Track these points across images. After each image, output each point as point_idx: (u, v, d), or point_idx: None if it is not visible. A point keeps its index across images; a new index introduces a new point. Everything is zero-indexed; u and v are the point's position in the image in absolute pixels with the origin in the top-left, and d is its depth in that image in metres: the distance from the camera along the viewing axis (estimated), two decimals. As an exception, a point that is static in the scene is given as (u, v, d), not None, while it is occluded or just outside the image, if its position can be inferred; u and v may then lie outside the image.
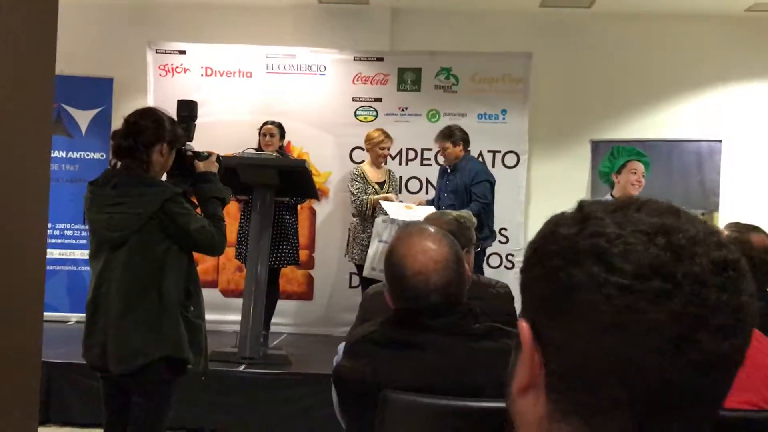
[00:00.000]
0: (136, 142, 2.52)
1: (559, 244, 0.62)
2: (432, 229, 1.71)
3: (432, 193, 5.74)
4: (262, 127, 5.24)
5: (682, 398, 0.58)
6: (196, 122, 2.85)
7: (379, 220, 5.05)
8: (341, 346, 1.70)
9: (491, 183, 5.23)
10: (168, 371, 2.53)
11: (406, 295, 1.61)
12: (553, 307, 0.61)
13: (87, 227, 2.64)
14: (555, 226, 0.64)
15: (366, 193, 5.24)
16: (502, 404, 1.51)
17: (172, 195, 2.51)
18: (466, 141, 5.29)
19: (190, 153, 2.71)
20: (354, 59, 6.13)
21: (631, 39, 6.39)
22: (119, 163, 2.58)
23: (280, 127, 5.25)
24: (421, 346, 1.58)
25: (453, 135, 5.25)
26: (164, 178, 2.70)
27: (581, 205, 0.65)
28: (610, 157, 5.52)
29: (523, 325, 0.64)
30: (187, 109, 2.85)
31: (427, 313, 1.59)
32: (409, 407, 1.53)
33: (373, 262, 4.81)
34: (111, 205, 2.51)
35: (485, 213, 5.10)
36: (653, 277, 0.57)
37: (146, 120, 2.56)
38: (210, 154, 2.74)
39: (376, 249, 4.86)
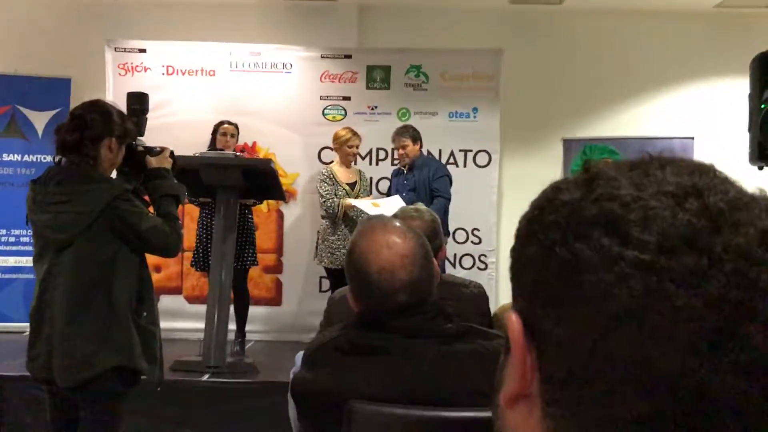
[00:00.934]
0: (82, 137, 2.34)
1: (558, 213, 0.47)
2: (397, 223, 1.56)
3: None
4: (219, 126, 5.05)
5: (721, 412, 0.43)
6: (147, 116, 2.67)
7: (361, 221, 4.90)
8: (299, 356, 1.54)
9: (450, 179, 5.20)
10: (119, 382, 2.34)
11: (370, 294, 1.46)
12: (550, 293, 0.47)
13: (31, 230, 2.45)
14: (554, 191, 0.50)
15: (336, 195, 5.09)
16: (479, 413, 1.37)
17: (121, 192, 2.33)
18: (421, 139, 5.26)
19: (141, 148, 2.53)
20: (321, 57, 5.97)
21: (602, 36, 6.34)
22: (64, 160, 2.40)
23: (237, 128, 5.09)
24: (388, 351, 1.43)
25: (409, 131, 5.19)
26: (114, 175, 2.51)
27: (588, 164, 0.50)
28: (582, 155, 5.44)
29: (512, 318, 0.49)
30: (138, 101, 2.67)
31: (394, 313, 1.44)
32: (378, 419, 1.38)
33: None
34: (55, 204, 2.32)
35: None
36: (684, 250, 0.43)
37: (93, 113, 2.38)
38: (163, 149, 2.56)
39: None
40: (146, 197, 2.50)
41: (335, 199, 5.05)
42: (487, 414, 1.42)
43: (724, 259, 0.43)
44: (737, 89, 6.16)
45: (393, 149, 5.27)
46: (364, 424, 1.38)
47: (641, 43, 6.31)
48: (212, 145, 4.99)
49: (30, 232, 6.16)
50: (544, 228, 0.48)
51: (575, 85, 6.30)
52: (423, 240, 1.52)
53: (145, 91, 3.00)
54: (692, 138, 6.12)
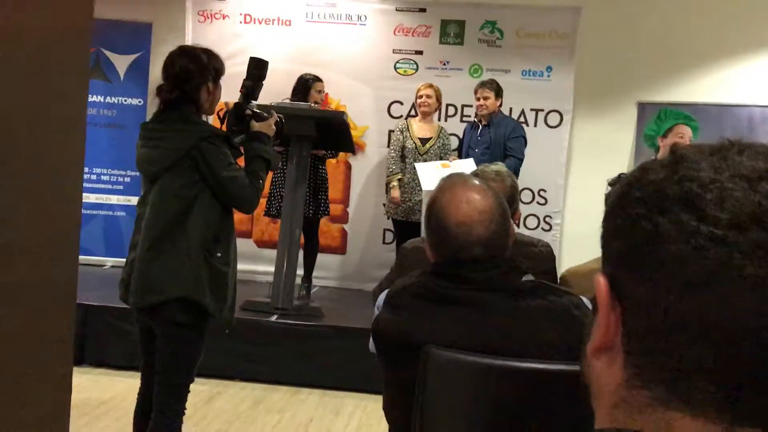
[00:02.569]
0: (182, 92, 2.46)
1: (644, 191, 0.56)
2: (477, 181, 1.63)
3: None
4: (313, 82, 5.07)
5: None
6: (263, 82, 2.78)
7: (443, 178, 4.98)
8: (382, 296, 1.63)
9: (525, 140, 5.20)
10: (184, 314, 2.42)
11: (448, 246, 1.53)
12: (634, 260, 0.55)
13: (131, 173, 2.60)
14: (643, 171, 0.58)
15: (399, 156, 5.27)
16: (548, 365, 1.45)
17: (209, 134, 2.43)
18: (502, 96, 5.27)
19: (249, 112, 2.65)
20: (396, 9, 5.98)
21: (684, -3, 6.13)
22: None
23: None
24: (462, 302, 1.51)
25: (493, 85, 5.19)
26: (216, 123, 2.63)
27: (674, 148, 0.58)
28: (657, 120, 5.31)
29: (600, 281, 0.58)
30: (258, 67, 2.77)
31: (469, 265, 1.52)
32: (452, 364, 1.47)
33: None
34: (152, 139, 2.47)
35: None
36: (752, 227, 0.50)
37: (187, 64, 2.47)
38: (270, 116, 2.67)
39: None
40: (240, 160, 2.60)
41: (393, 168, 5.29)
42: (556, 366, 1.50)
43: None
44: (827, 57, 5.90)
45: (476, 99, 5.22)
46: (437, 368, 1.47)
47: (724, 5, 6.07)
48: (303, 99, 4.97)
49: (111, 171, 6.42)
50: (632, 202, 0.56)
51: (653, 47, 6.12)
52: (501, 199, 1.59)
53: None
54: (774, 107, 5.92)
